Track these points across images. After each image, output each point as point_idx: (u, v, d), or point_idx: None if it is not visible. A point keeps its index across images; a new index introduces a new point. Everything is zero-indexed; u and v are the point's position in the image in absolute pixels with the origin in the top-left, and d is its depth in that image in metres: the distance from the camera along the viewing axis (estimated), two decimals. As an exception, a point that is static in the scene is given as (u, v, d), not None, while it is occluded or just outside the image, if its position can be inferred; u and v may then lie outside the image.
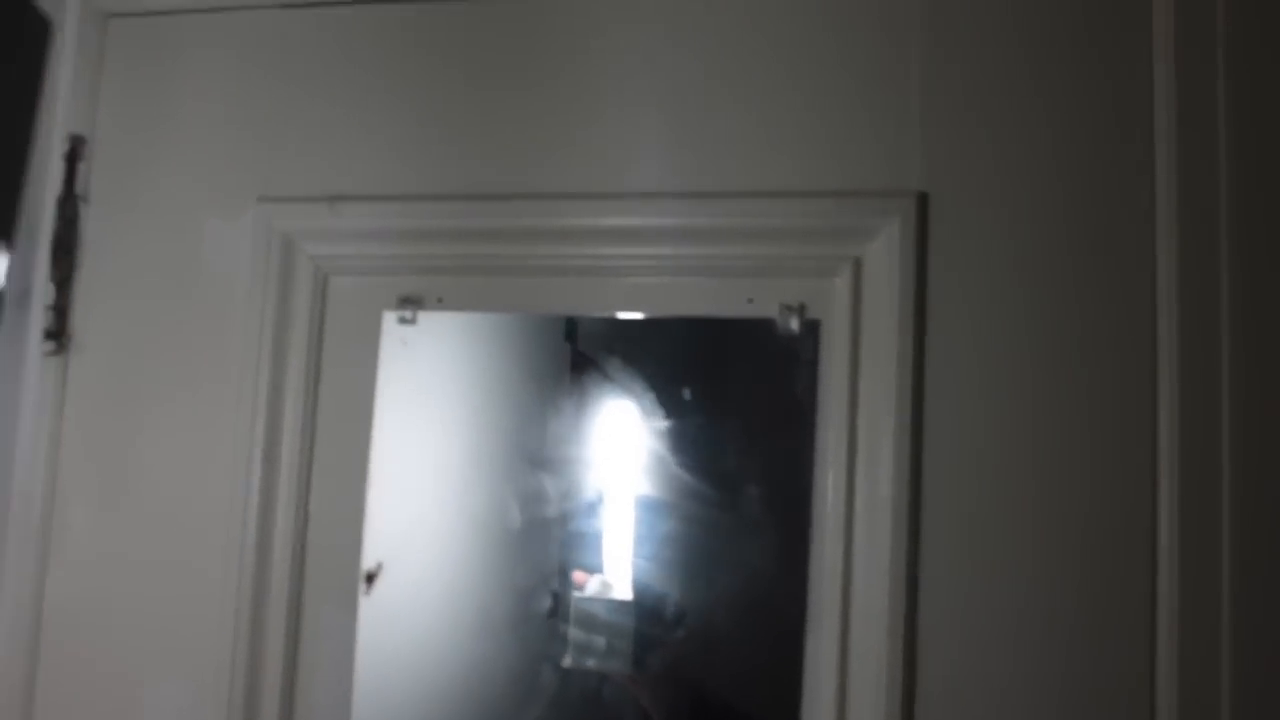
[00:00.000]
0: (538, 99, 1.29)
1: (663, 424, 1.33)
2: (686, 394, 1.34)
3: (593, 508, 1.35)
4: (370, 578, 1.29)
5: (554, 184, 1.27)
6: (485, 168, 1.29)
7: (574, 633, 1.34)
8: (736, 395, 1.34)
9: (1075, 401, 1.14)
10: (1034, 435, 1.14)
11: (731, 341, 1.30)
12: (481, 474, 1.42)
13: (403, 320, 1.31)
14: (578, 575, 1.35)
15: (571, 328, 1.37)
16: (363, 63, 1.35)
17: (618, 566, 1.34)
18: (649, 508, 1.33)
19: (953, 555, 1.14)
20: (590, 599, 1.34)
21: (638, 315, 1.27)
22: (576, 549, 1.36)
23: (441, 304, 1.30)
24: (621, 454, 1.35)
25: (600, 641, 1.34)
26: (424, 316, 1.31)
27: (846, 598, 1.17)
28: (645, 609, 1.33)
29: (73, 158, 1.38)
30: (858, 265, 1.20)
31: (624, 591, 1.33)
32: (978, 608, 1.13)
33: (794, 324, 1.22)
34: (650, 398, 1.34)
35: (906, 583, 1.13)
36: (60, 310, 1.37)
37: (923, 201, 1.19)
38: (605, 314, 1.29)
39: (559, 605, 1.36)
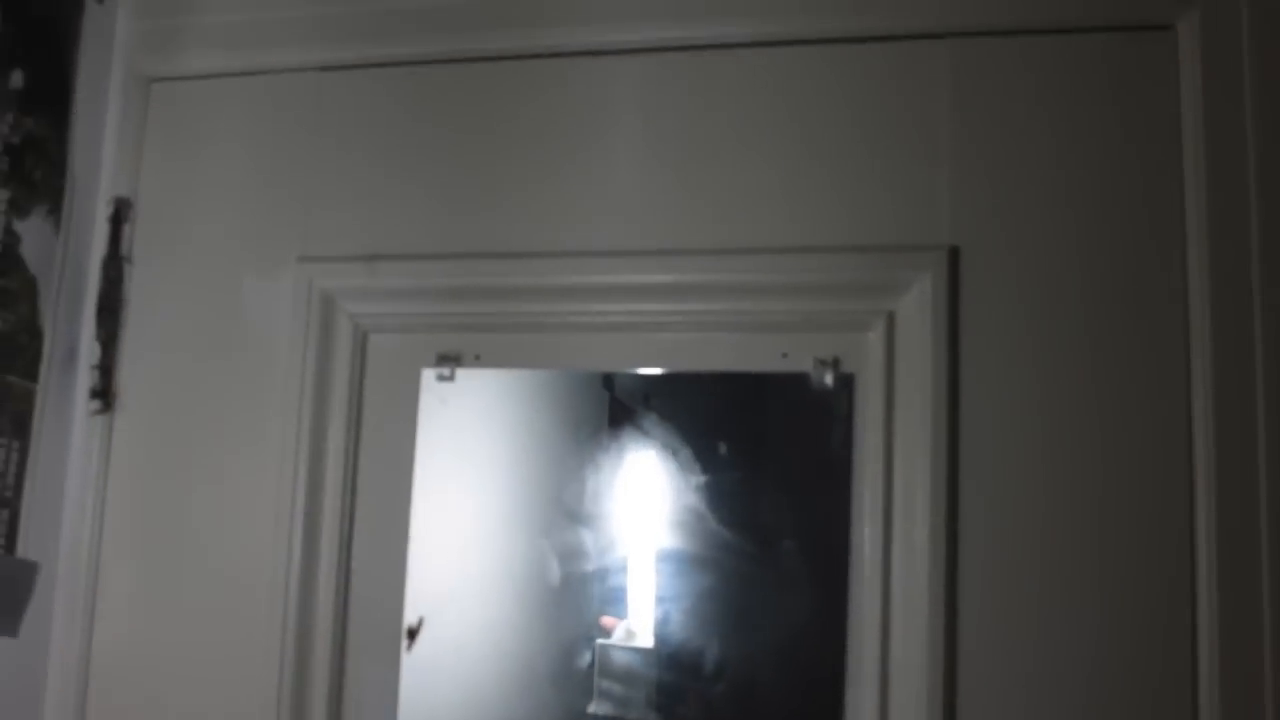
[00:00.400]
0: (572, 157, 1.31)
1: (699, 478, 1.34)
2: (723, 448, 1.35)
3: (628, 561, 1.36)
4: (412, 633, 1.30)
5: (590, 241, 1.29)
6: (521, 226, 1.31)
7: (599, 680, 1.35)
8: (772, 450, 1.35)
9: (1111, 450, 1.15)
10: (1070, 484, 1.15)
11: (769, 396, 1.32)
12: (521, 529, 1.43)
13: (441, 378, 1.32)
14: (606, 620, 1.37)
15: (609, 376, 1.39)
16: (399, 123, 1.37)
17: (641, 615, 1.35)
18: (680, 559, 1.34)
19: (991, 606, 1.15)
20: (613, 646, 1.36)
21: (673, 371, 1.28)
22: (613, 602, 1.37)
23: (479, 361, 1.32)
24: (654, 506, 1.36)
25: (621, 689, 1.35)
26: (462, 373, 1.33)
27: (885, 651, 1.17)
28: (668, 657, 1.34)
29: (117, 219, 1.41)
30: (891, 319, 1.22)
31: (645, 639, 1.34)
32: (1017, 658, 1.14)
33: (828, 378, 1.23)
34: (687, 452, 1.35)
35: (945, 635, 1.14)
36: (105, 370, 1.39)
37: (954, 255, 1.20)
38: (641, 369, 1.30)
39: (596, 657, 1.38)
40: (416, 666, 1.31)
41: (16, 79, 1.28)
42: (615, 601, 1.37)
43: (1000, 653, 1.14)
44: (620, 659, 1.36)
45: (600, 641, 1.36)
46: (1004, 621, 1.14)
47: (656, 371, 1.30)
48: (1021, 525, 1.15)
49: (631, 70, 1.32)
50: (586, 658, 1.39)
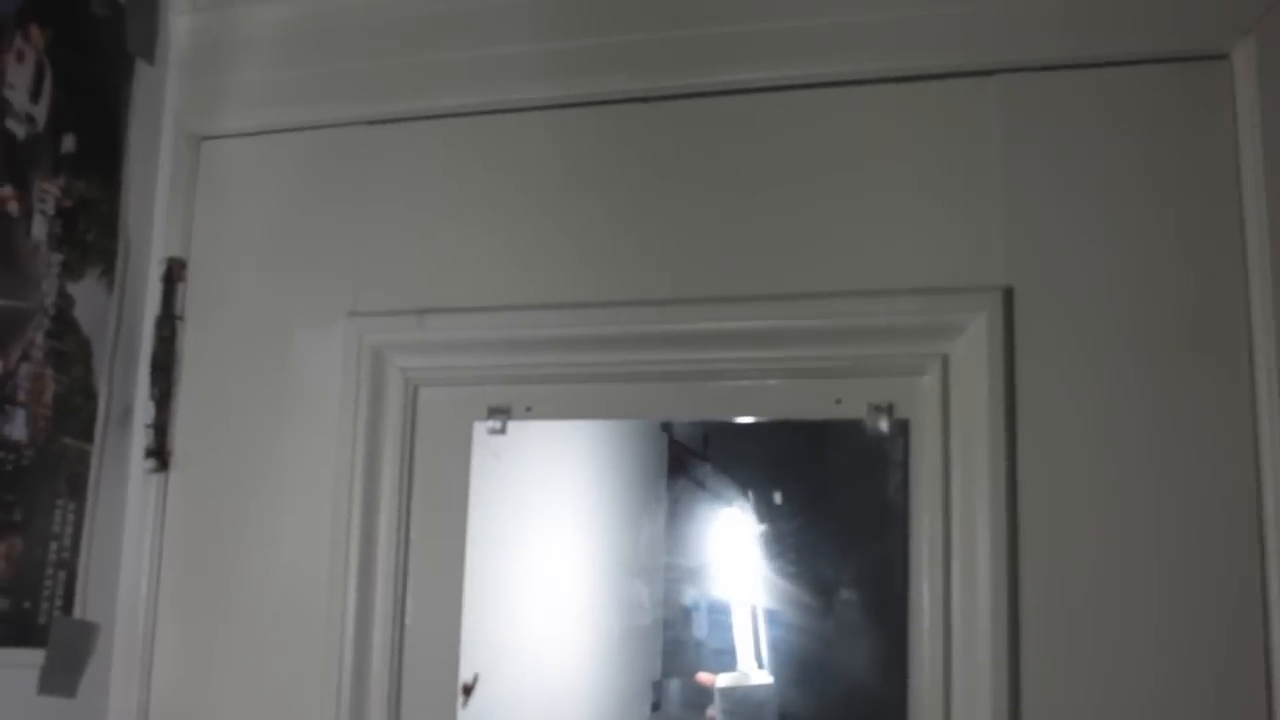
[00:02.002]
0: (618, 206, 1.31)
1: (758, 527, 1.33)
2: (778, 497, 1.33)
3: (688, 613, 1.35)
4: (467, 690, 1.29)
5: (640, 290, 1.28)
6: (570, 276, 1.31)
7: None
8: (829, 497, 1.34)
9: (1174, 495, 1.12)
10: (1131, 527, 1.12)
11: (826, 442, 1.30)
12: (578, 581, 1.42)
13: (492, 431, 1.32)
14: (703, 677, 1.36)
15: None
16: (446, 176, 1.37)
17: (749, 658, 1.34)
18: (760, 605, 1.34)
19: (1054, 653, 1.12)
20: (733, 688, 1.35)
21: (726, 420, 1.27)
22: (675, 655, 1.36)
23: (530, 413, 1.31)
24: (728, 558, 1.35)
25: None
26: (514, 424, 1.32)
27: (947, 700, 1.15)
28: (785, 691, 1.34)
29: (170, 278, 1.42)
30: (945, 363, 1.20)
31: (763, 677, 1.34)
32: (1082, 707, 1.11)
33: (883, 424, 1.21)
34: (745, 501, 1.34)
35: (1009, 687, 1.11)
36: (160, 428, 1.40)
37: (1008, 295, 1.18)
38: (693, 419, 1.30)
39: (662, 700, 1.36)
40: (473, 723, 1.30)
41: (68, 143, 1.30)
42: (677, 654, 1.36)
43: (1064, 701, 1.11)
44: (744, 698, 1.35)
45: (720, 685, 1.35)
46: (1067, 670, 1.11)
47: (709, 420, 1.28)
48: (1083, 569, 1.12)
49: (678, 119, 1.31)
50: (650, 700, 1.38)
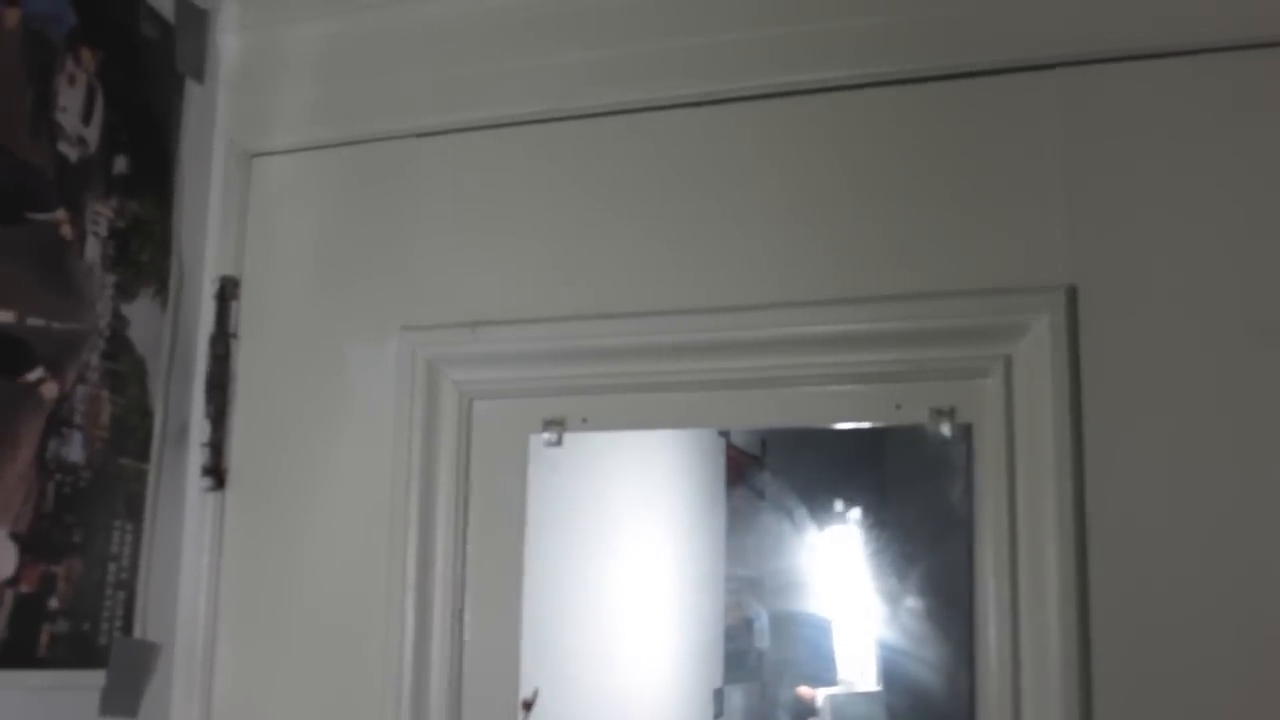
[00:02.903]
0: (671, 215, 1.30)
1: (818, 536, 1.31)
2: (839, 505, 1.32)
3: (749, 623, 1.33)
4: (527, 705, 1.28)
5: (697, 298, 1.27)
6: (623, 285, 1.30)
7: None
8: (892, 504, 1.32)
9: (1248, 494, 1.08)
10: (1208, 530, 1.09)
11: (892, 448, 1.29)
12: (638, 591, 1.41)
13: (548, 443, 1.31)
14: (803, 690, 1.36)
15: (725, 426, 1.37)
16: (496, 187, 1.36)
17: (854, 667, 1.35)
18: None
19: (1127, 661, 1.09)
20: (844, 695, 1.35)
21: (785, 427, 1.26)
22: (735, 667, 1.35)
23: (586, 424, 1.30)
24: (808, 568, 1.34)
25: None
26: (569, 436, 1.31)
27: (1017, 704, 1.12)
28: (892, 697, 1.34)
29: (223, 296, 1.42)
30: (1008, 364, 1.17)
31: (870, 684, 1.34)
32: (1156, 708, 1.08)
33: (945, 428, 1.19)
34: (805, 509, 1.32)
35: (1080, 692, 1.09)
36: (216, 446, 1.40)
37: (1072, 294, 1.15)
38: (752, 427, 1.28)
39: (724, 709, 1.35)
40: (533, 739, 1.29)
41: (120, 164, 1.30)
42: (737, 666, 1.35)
43: (1138, 708, 1.08)
44: (855, 705, 1.35)
45: (829, 694, 1.34)
46: (1141, 674, 1.09)
47: (767, 428, 1.27)
48: (1156, 571, 1.10)
49: (732, 125, 1.29)
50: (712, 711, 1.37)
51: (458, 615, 1.30)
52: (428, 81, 1.39)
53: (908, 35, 1.23)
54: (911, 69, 1.23)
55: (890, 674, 1.33)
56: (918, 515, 1.28)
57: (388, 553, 1.32)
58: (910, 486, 1.27)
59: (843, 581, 1.31)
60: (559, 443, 1.31)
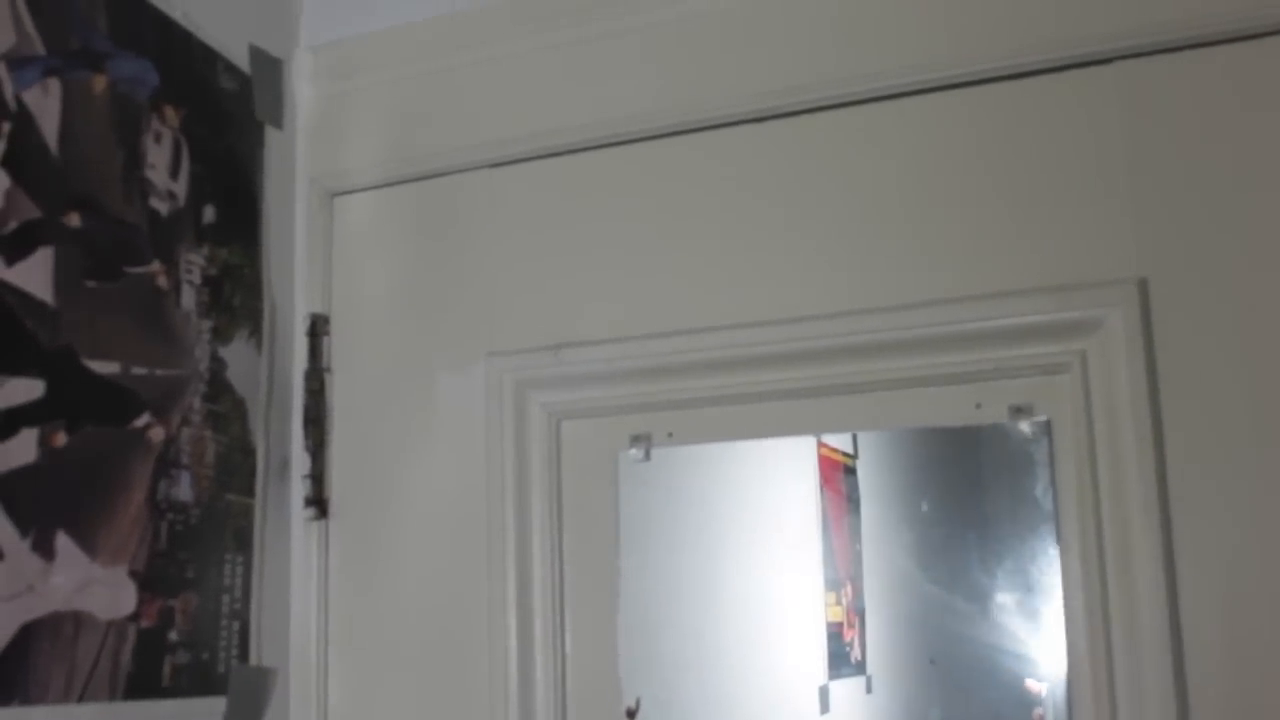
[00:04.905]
0: (743, 229, 1.32)
1: (908, 535, 1.33)
2: (924, 506, 1.33)
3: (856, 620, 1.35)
4: (631, 715, 1.31)
5: (774, 310, 1.28)
6: (701, 300, 1.32)
7: None
8: (979, 502, 1.33)
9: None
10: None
11: (978, 445, 1.30)
12: (736, 594, 1.43)
13: (637, 459, 1.33)
14: (1031, 684, 1.37)
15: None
16: (572, 212, 1.39)
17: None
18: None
19: (1222, 655, 1.10)
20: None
21: (869, 431, 1.27)
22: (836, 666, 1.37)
23: (673, 439, 1.33)
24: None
25: None
26: (658, 450, 1.34)
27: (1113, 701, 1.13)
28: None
29: (314, 333, 1.47)
30: (1083, 359, 1.18)
31: None
32: (1257, 712, 1.08)
33: (1024, 426, 1.20)
34: (898, 508, 1.34)
35: (1176, 687, 1.09)
36: (317, 478, 1.45)
37: (1143, 286, 1.16)
38: (836, 432, 1.29)
39: (828, 703, 1.37)
40: (638, 748, 1.32)
41: (208, 214, 1.35)
42: (840, 663, 1.37)
43: (1237, 703, 1.09)
44: None
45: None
46: (1237, 668, 1.09)
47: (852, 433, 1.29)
48: (1245, 562, 1.10)
49: (806, 132, 1.31)
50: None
51: (559, 630, 1.34)
52: (499, 112, 1.42)
53: (964, 38, 1.24)
54: (969, 72, 1.24)
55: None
56: (1003, 512, 1.29)
57: (487, 572, 1.35)
58: (996, 484, 1.29)
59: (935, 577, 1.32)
60: (647, 458, 1.33)
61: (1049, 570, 1.19)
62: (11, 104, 1.11)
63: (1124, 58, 1.20)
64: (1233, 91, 1.16)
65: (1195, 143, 1.17)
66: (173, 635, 1.26)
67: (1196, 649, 1.10)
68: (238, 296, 1.38)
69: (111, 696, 1.17)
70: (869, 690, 1.45)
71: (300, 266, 1.49)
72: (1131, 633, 1.12)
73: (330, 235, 1.49)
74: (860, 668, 1.42)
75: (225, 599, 1.34)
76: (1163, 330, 1.15)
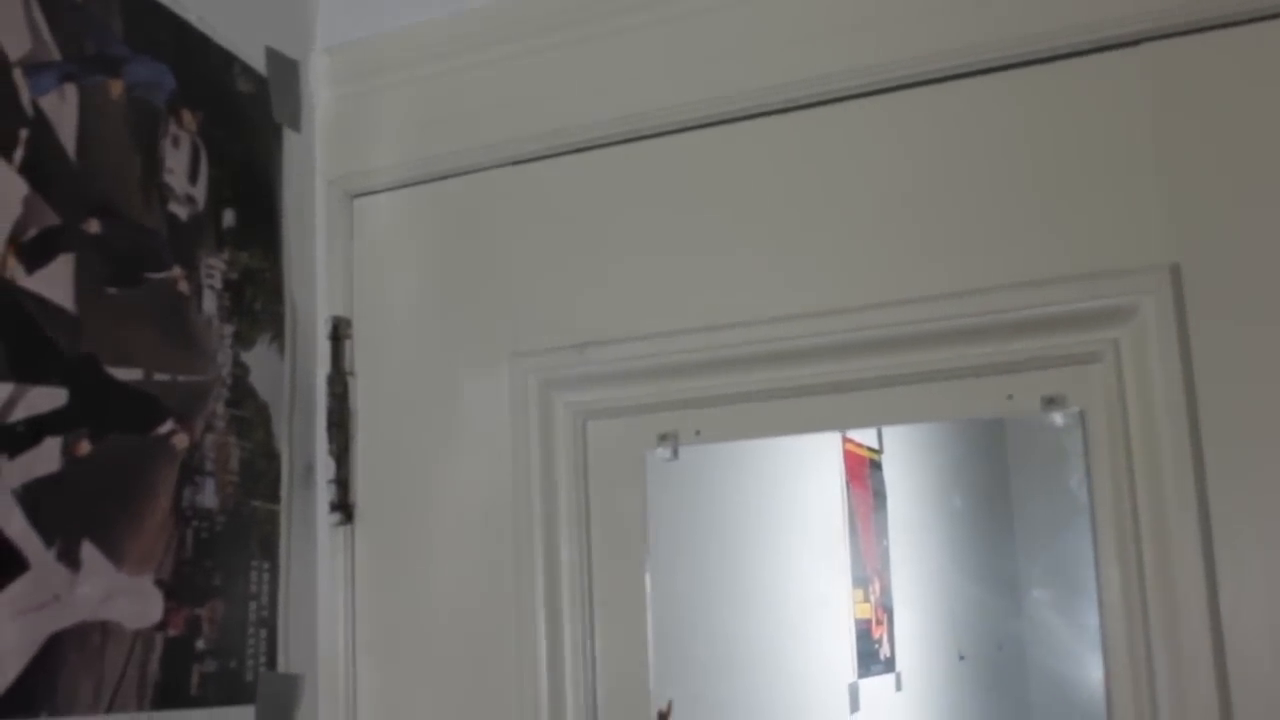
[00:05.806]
0: (762, 225, 1.30)
1: (935, 530, 1.31)
2: (957, 500, 1.32)
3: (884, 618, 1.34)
4: (663, 716, 1.30)
5: (798, 304, 1.27)
6: (724, 298, 1.31)
7: None
8: (1004, 496, 1.32)
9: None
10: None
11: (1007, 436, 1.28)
12: (766, 592, 1.42)
13: (664, 458, 1.32)
14: None
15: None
16: (594, 210, 1.38)
17: None
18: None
19: (1263, 642, 1.08)
20: None
21: (898, 425, 1.26)
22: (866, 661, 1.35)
23: (700, 437, 1.32)
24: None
25: None
26: (685, 449, 1.32)
27: (1154, 705, 1.12)
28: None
29: (336, 336, 1.46)
30: (1116, 348, 1.16)
31: None
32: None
33: (1057, 417, 1.18)
34: (925, 503, 1.33)
35: (1216, 677, 1.08)
36: (341, 482, 1.44)
37: (1176, 273, 1.14)
38: (865, 427, 1.28)
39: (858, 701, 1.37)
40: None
41: (228, 218, 1.34)
42: (868, 663, 1.36)
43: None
44: None
45: None
46: (1275, 651, 1.07)
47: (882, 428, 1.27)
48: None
49: (827, 124, 1.30)
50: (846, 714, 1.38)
51: (588, 632, 1.32)
52: (519, 110, 1.41)
53: (988, 23, 1.22)
54: (995, 58, 1.23)
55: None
56: (1036, 505, 1.28)
57: (514, 573, 1.35)
58: (1027, 476, 1.27)
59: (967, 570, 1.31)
60: (675, 456, 1.32)
61: (1083, 564, 1.17)
62: (29, 111, 1.10)
63: (1151, 39, 1.18)
64: (1263, 70, 1.14)
65: (1226, 124, 1.15)
66: (200, 644, 1.25)
67: (1238, 642, 1.08)
68: (259, 301, 1.37)
69: (140, 707, 1.16)
70: (898, 687, 1.44)
71: (321, 269, 1.48)
72: (1171, 627, 1.11)
73: (350, 237, 1.49)
74: (889, 665, 1.41)
75: (252, 606, 1.33)
76: (1197, 316, 1.13)
